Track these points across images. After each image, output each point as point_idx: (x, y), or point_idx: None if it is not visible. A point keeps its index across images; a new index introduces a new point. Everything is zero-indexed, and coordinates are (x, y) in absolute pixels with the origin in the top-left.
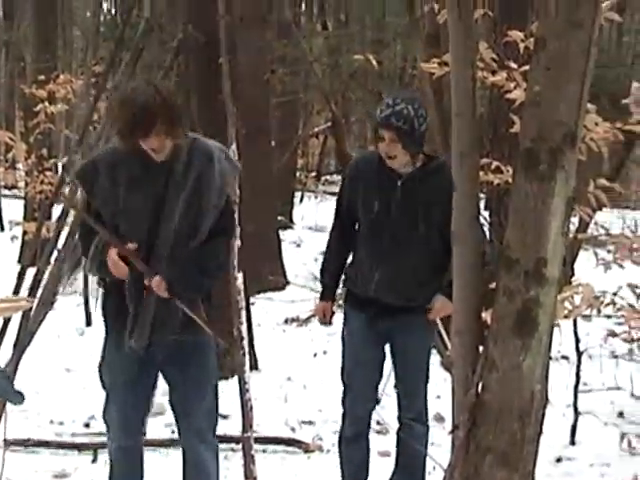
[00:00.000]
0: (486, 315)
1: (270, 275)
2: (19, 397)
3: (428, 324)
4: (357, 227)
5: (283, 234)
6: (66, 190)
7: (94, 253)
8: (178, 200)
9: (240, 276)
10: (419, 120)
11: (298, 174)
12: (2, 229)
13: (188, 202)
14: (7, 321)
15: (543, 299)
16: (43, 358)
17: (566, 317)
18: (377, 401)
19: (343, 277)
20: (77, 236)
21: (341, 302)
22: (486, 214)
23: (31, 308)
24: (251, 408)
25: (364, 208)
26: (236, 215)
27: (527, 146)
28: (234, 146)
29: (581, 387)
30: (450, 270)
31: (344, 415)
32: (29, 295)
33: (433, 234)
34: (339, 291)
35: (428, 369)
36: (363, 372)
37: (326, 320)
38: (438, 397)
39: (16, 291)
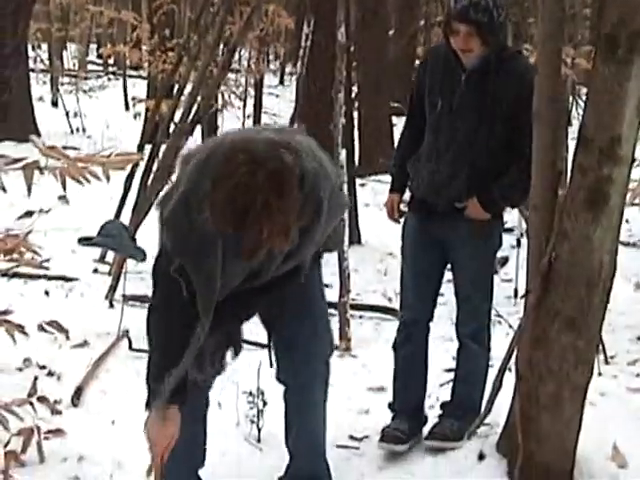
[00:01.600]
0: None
1: (382, 158)
2: (141, 253)
3: (487, 234)
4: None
5: (398, 120)
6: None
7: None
8: (274, 266)
9: (343, 152)
10: (498, 11)
11: (418, 62)
12: (127, 108)
13: (286, 259)
14: (127, 190)
15: (616, 176)
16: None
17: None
18: (432, 314)
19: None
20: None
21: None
22: None
23: (149, 178)
24: (348, 276)
25: (430, 104)
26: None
27: (607, 31)
28: (342, 29)
29: None
30: (500, 180)
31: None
32: (146, 167)
33: (496, 130)
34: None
35: (490, 284)
36: (418, 283)
37: (392, 216)
38: None
39: (135, 164)
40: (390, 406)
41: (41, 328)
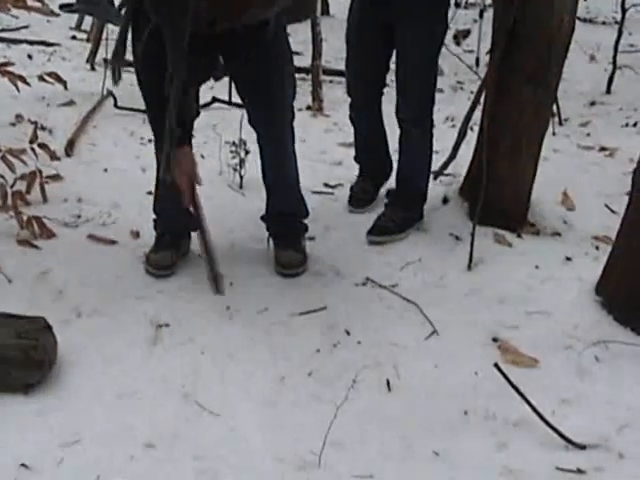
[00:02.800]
0: None
1: None
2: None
3: (434, 14)
4: None
5: None
6: None
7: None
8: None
9: None
10: None
11: None
12: None
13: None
14: None
15: None
16: None
17: None
18: (381, 93)
19: None
20: None
21: None
22: None
23: None
24: (320, 41)
25: None
26: None
27: None
28: None
29: (627, 47)
30: None
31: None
32: None
33: None
34: None
35: (433, 69)
36: (364, 68)
37: None
38: None
39: None
40: (355, 160)
41: (41, 79)
